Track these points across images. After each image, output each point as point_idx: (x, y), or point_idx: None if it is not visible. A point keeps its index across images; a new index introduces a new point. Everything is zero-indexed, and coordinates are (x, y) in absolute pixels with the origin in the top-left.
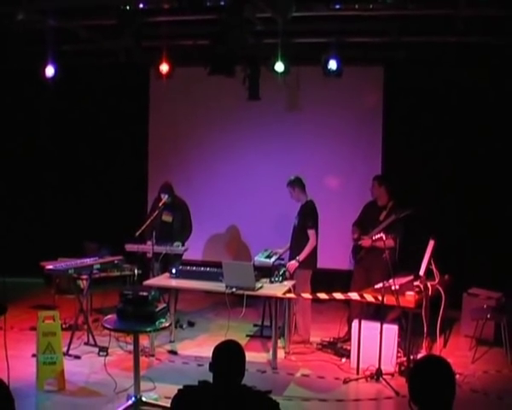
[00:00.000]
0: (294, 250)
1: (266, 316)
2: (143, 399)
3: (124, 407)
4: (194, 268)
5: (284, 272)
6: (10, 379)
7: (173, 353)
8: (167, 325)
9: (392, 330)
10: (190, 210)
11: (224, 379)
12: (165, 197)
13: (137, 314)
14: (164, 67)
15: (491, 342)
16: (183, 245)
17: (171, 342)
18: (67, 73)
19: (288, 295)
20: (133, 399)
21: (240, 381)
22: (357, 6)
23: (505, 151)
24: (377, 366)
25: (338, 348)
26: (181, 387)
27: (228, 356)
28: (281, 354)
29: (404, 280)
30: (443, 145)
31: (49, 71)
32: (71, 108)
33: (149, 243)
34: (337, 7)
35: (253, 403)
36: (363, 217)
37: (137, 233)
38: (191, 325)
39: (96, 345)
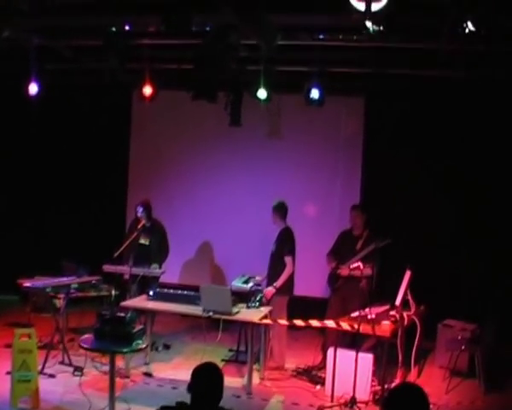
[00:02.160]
0: (271, 276)
1: (242, 341)
2: None
3: None
4: (171, 291)
5: (261, 297)
6: None
7: (148, 375)
8: (144, 346)
9: (367, 359)
10: (168, 232)
11: (203, 401)
12: (139, 211)
13: (114, 335)
14: (147, 90)
15: (465, 374)
16: (160, 267)
17: (146, 364)
18: (51, 91)
19: (265, 321)
20: None
21: (217, 403)
22: (340, 36)
23: (486, 180)
24: (352, 394)
25: (313, 375)
26: (156, 408)
27: (207, 378)
28: (256, 379)
29: (380, 309)
30: (421, 176)
31: (33, 89)
32: (53, 127)
33: (127, 264)
34: (321, 37)
35: None
36: (340, 246)
37: (115, 254)
38: (167, 347)
39: (71, 365)
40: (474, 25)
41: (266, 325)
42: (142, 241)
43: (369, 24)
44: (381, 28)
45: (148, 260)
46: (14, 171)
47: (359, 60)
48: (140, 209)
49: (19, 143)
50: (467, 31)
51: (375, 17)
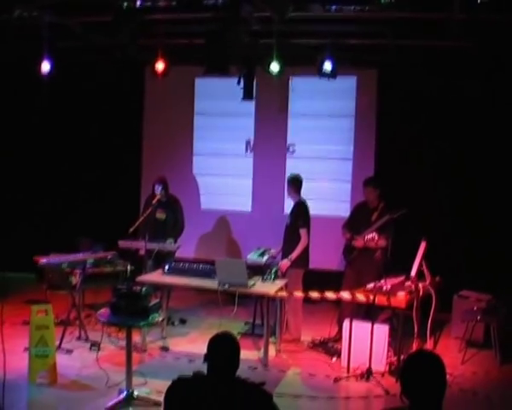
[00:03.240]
0: (286, 249)
1: (258, 314)
2: (135, 393)
3: (115, 400)
4: (186, 265)
5: (276, 270)
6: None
7: (165, 349)
8: (160, 320)
9: (382, 330)
10: (183, 207)
11: (219, 370)
12: (157, 189)
13: (131, 309)
14: (159, 66)
15: (480, 344)
16: (175, 242)
17: (162, 338)
18: (63, 69)
19: (280, 294)
20: (125, 393)
21: (234, 373)
22: (352, 8)
23: (499, 153)
24: (368, 365)
25: (329, 347)
26: (173, 379)
27: (223, 347)
28: (272, 352)
29: (395, 281)
30: (436, 147)
31: (45, 67)
32: (66, 105)
33: (142, 240)
34: (333, 8)
35: (247, 394)
36: (355, 218)
37: (131, 230)
38: (183, 322)
39: (87, 340)
40: None
41: (282, 298)
42: (159, 216)
43: None
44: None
45: (164, 236)
46: (29, 150)
47: (372, 32)
48: (159, 188)
49: (32, 122)
50: (479, 1)
51: None
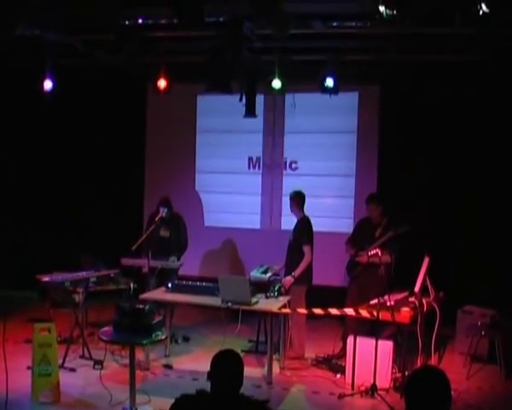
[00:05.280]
0: (290, 266)
1: (261, 332)
2: None
3: None
4: (189, 283)
5: (280, 287)
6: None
7: (168, 367)
8: (163, 337)
9: (387, 346)
10: (187, 225)
11: (222, 388)
12: (163, 211)
13: (134, 327)
14: (161, 83)
15: (485, 359)
16: (178, 260)
17: (166, 356)
18: (65, 86)
19: (284, 311)
20: None
21: (238, 390)
22: (354, 24)
23: (502, 167)
24: (372, 382)
25: (333, 363)
26: (177, 397)
27: (226, 365)
28: (276, 369)
29: (399, 296)
30: (439, 162)
31: (48, 85)
32: (68, 122)
33: (145, 257)
34: (334, 24)
35: None
36: (358, 234)
37: (134, 247)
38: (186, 339)
39: (91, 358)
40: (487, 6)
41: (285, 315)
42: (162, 234)
43: (382, 8)
44: (394, 12)
45: (168, 253)
46: (31, 167)
47: (373, 47)
48: (164, 210)
49: (34, 139)
50: (481, 13)
51: (388, 1)
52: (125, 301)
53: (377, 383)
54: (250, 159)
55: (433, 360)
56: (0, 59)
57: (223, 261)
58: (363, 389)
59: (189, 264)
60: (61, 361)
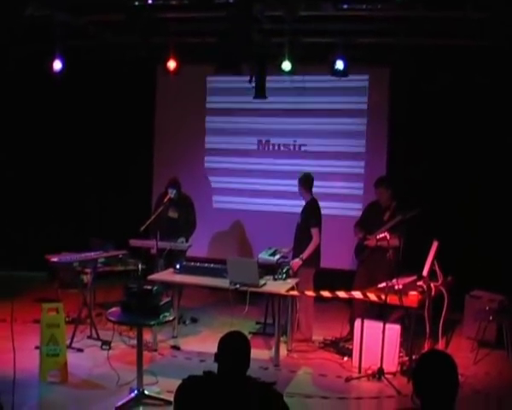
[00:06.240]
0: (298, 248)
1: (269, 314)
2: (146, 392)
3: (126, 399)
4: (198, 264)
5: (288, 269)
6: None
7: (176, 348)
8: (171, 318)
9: (394, 330)
10: (195, 206)
11: (229, 370)
12: (172, 193)
13: (142, 308)
14: (171, 64)
15: (492, 345)
16: (186, 241)
17: (173, 337)
18: (75, 68)
19: (292, 293)
20: (136, 392)
21: (245, 372)
22: (364, 6)
23: (510, 153)
24: (379, 365)
25: (340, 346)
26: (183, 378)
27: (233, 346)
28: (283, 351)
29: (407, 280)
30: (448, 146)
31: (57, 65)
32: (77, 103)
33: (154, 239)
34: (345, 7)
35: (258, 394)
36: (367, 217)
37: (142, 228)
38: (194, 321)
39: (99, 339)
40: None
41: (293, 297)
42: (171, 214)
43: None
44: None
45: (177, 234)
46: (42, 147)
47: (384, 30)
48: (173, 191)
49: (44, 120)
50: None
51: None
52: (133, 282)
53: (384, 366)
54: (259, 141)
55: (441, 345)
56: (10, 39)
57: (231, 243)
58: (370, 372)
59: (198, 245)
60: (68, 342)
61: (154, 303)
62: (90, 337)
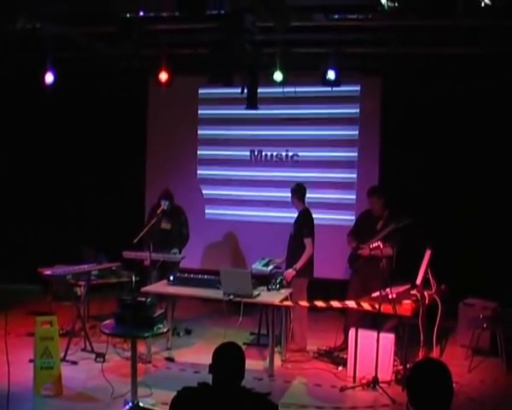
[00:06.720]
0: (291, 259)
1: (263, 324)
2: (140, 404)
3: None
4: (191, 275)
5: (281, 280)
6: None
7: (170, 360)
8: (165, 330)
9: (388, 339)
10: (188, 217)
11: (224, 380)
12: (164, 204)
13: (135, 319)
14: (163, 76)
15: (487, 352)
16: (179, 253)
17: (167, 349)
18: (66, 80)
19: (286, 303)
20: (130, 404)
21: (239, 383)
22: (355, 16)
23: (505, 159)
24: (374, 375)
25: (334, 356)
26: (178, 390)
27: (228, 358)
28: (277, 362)
29: (400, 289)
30: (440, 155)
31: (49, 78)
32: (69, 115)
33: (147, 250)
34: (336, 17)
35: (253, 404)
36: (360, 226)
37: (135, 240)
38: (188, 332)
39: (93, 351)
40: None
41: (287, 308)
42: (164, 226)
43: (383, 0)
44: (396, 4)
45: (170, 246)
46: (33, 160)
47: (375, 40)
48: (166, 203)
49: (35, 132)
50: (482, 4)
51: None
52: (126, 294)
53: (379, 375)
54: (252, 151)
55: (435, 353)
56: (1, 52)
57: (224, 254)
58: (364, 381)
59: (191, 257)
60: (62, 354)
61: (148, 315)
62: (84, 350)
